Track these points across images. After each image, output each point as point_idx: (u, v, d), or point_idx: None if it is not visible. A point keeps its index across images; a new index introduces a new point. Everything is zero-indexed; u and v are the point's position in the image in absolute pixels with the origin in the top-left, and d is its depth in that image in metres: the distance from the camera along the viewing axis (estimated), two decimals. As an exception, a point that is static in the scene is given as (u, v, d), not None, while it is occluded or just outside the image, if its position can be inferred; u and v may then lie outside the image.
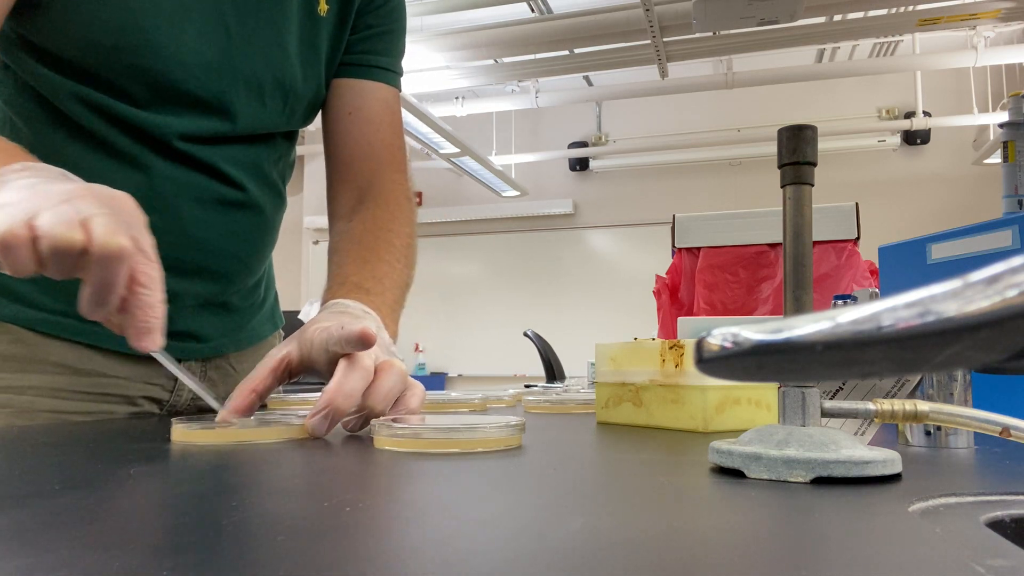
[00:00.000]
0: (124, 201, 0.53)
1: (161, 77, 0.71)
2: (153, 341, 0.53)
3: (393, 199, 0.87)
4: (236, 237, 0.81)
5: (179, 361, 0.82)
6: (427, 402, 0.84)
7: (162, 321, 0.53)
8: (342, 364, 0.56)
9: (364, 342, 0.55)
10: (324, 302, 0.73)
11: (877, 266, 0.91)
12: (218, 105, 0.75)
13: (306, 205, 6.14)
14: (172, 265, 0.77)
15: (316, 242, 6.27)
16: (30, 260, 0.48)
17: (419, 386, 0.62)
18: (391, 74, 0.91)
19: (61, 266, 0.49)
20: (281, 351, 0.62)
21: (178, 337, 0.80)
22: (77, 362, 0.76)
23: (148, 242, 0.53)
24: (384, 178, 0.88)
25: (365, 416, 0.57)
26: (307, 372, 0.63)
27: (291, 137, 0.90)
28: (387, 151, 0.89)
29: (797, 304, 0.40)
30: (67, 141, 0.72)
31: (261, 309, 0.94)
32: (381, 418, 0.53)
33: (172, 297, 0.78)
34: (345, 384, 0.55)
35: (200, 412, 0.86)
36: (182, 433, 0.52)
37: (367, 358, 0.57)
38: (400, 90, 0.93)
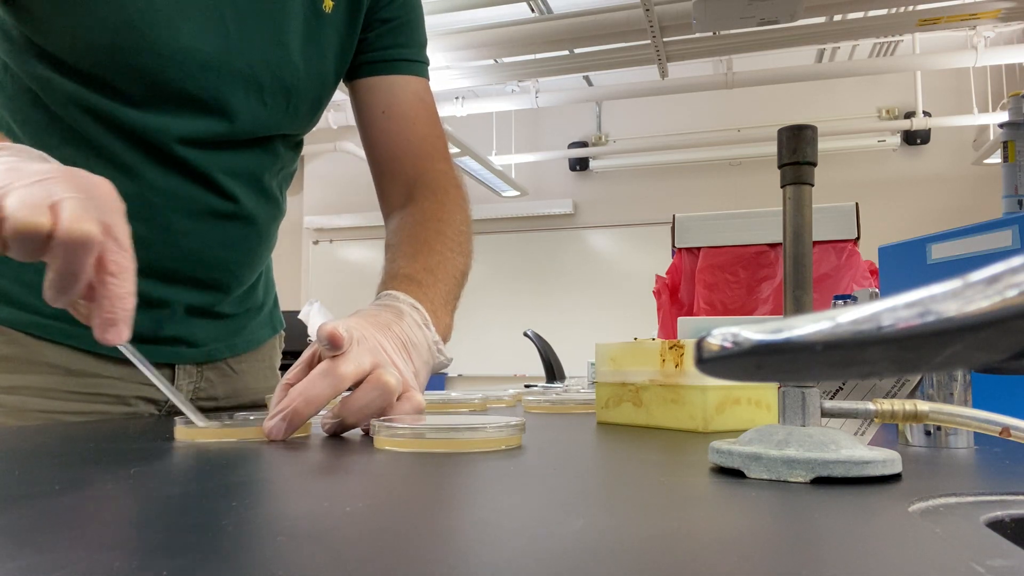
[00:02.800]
0: (100, 186, 0.51)
1: (158, 77, 0.71)
2: (118, 334, 0.51)
3: (441, 189, 0.86)
4: (227, 248, 0.81)
5: (172, 366, 0.82)
6: (427, 402, 0.84)
7: (130, 313, 0.51)
8: (318, 367, 0.54)
9: (332, 344, 0.53)
10: (377, 296, 0.73)
11: (877, 266, 0.91)
12: (216, 105, 0.74)
13: (306, 205, 6.14)
14: (161, 273, 0.77)
15: (316, 242, 6.27)
16: None
17: (413, 400, 0.59)
18: (417, 64, 0.91)
19: (24, 249, 0.48)
20: (313, 346, 0.62)
21: (169, 342, 0.80)
22: (70, 363, 0.75)
23: (123, 230, 0.51)
24: (429, 169, 0.87)
25: (341, 423, 0.55)
26: None
27: (295, 148, 0.89)
28: (427, 143, 0.89)
29: (797, 304, 0.40)
30: (61, 146, 0.72)
31: (259, 314, 0.93)
32: (381, 418, 0.53)
33: (161, 304, 0.78)
34: (310, 389, 0.53)
35: (201, 412, 0.86)
36: (184, 432, 0.52)
37: (347, 364, 0.54)
38: (429, 79, 0.93)
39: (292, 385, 0.58)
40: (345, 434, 0.57)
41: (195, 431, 0.52)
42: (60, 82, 0.70)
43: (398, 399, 0.57)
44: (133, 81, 0.71)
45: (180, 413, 0.83)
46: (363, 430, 0.57)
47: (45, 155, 0.55)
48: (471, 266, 0.83)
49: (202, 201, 0.76)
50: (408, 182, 0.87)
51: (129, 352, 0.54)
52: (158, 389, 0.82)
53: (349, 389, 0.56)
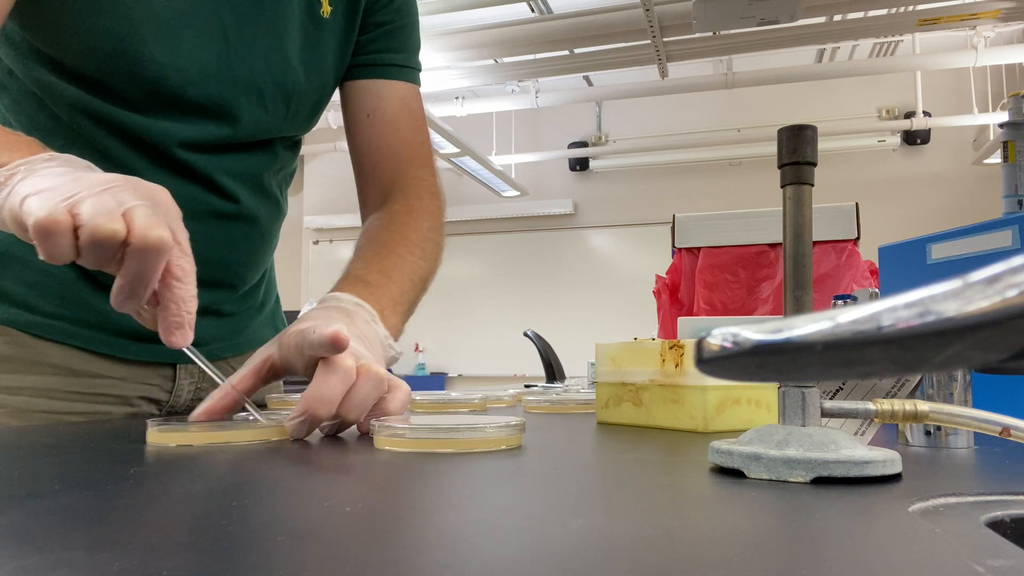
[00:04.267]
0: (161, 193, 0.53)
1: (160, 84, 0.71)
2: (184, 336, 0.52)
3: (414, 194, 0.86)
4: (229, 248, 0.81)
5: (174, 365, 0.82)
6: (427, 402, 0.84)
7: (194, 316, 0.53)
8: (321, 367, 0.54)
9: (335, 346, 0.53)
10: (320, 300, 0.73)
11: (877, 266, 0.91)
12: (218, 110, 0.75)
13: (306, 205, 6.14)
14: None
15: (316, 242, 6.27)
16: (70, 248, 0.48)
17: (402, 387, 0.59)
18: (407, 70, 0.90)
19: (99, 256, 0.48)
20: (264, 352, 0.62)
21: None
22: (72, 363, 0.75)
23: (184, 235, 0.53)
24: (407, 175, 0.87)
25: (340, 423, 0.55)
26: (288, 374, 0.62)
27: (294, 148, 0.89)
28: (408, 149, 0.88)
29: (797, 304, 0.40)
30: (65, 149, 0.72)
31: (260, 314, 0.93)
32: (381, 418, 0.53)
33: None
34: (323, 390, 0.53)
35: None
36: (156, 435, 0.51)
37: (347, 359, 0.54)
38: (419, 84, 0.92)
39: (238, 390, 0.58)
40: (344, 434, 0.57)
41: (165, 434, 0.50)
42: (63, 87, 0.71)
43: (388, 391, 0.58)
44: (135, 87, 0.71)
45: (179, 414, 0.83)
46: (359, 429, 0.57)
47: (91, 165, 0.56)
48: (436, 272, 0.83)
49: (204, 202, 0.77)
50: (385, 186, 0.87)
51: (193, 354, 0.55)
52: (162, 389, 0.82)
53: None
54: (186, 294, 0.52)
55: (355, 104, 0.89)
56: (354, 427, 0.58)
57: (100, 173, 0.53)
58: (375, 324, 0.68)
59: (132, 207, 0.48)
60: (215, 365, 0.86)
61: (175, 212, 0.53)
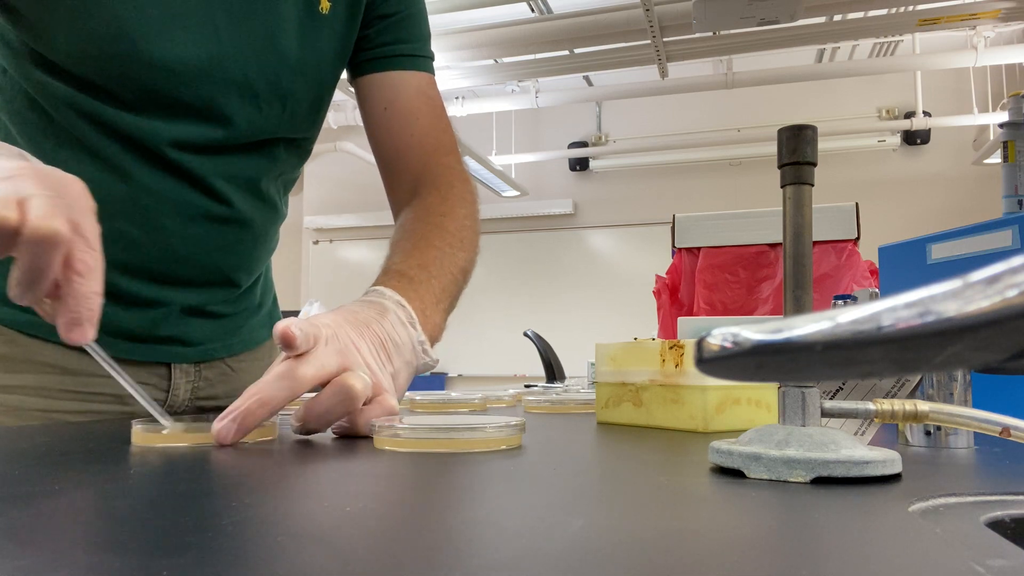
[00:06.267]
0: (71, 185, 0.51)
1: (151, 84, 0.71)
2: (83, 334, 0.50)
3: (444, 183, 0.85)
4: (222, 251, 0.80)
5: (169, 365, 0.82)
6: (427, 402, 0.84)
7: (96, 313, 0.51)
8: (278, 368, 0.52)
9: (283, 342, 0.51)
10: (365, 291, 0.69)
11: (877, 266, 0.91)
12: (210, 112, 0.74)
13: (306, 205, 6.14)
14: (155, 274, 0.77)
15: (316, 242, 6.27)
16: None
17: (386, 403, 0.56)
18: (419, 59, 0.89)
19: None
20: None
21: (165, 342, 0.80)
22: (66, 362, 0.75)
23: (91, 229, 0.51)
24: (434, 164, 0.86)
25: (304, 427, 0.53)
26: None
27: (298, 154, 0.87)
28: (431, 137, 0.87)
29: (797, 304, 0.40)
30: (57, 148, 0.72)
31: (256, 314, 0.93)
32: (382, 418, 0.53)
33: (156, 304, 0.78)
34: (265, 390, 0.50)
35: (200, 412, 0.86)
36: (141, 436, 0.50)
37: (307, 366, 0.52)
38: (433, 73, 0.91)
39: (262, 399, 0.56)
40: (326, 435, 0.56)
41: (151, 436, 0.50)
42: (55, 86, 0.70)
43: (369, 403, 0.55)
44: (127, 87, 0.70)
45: (179, 413, 0.83)
46: (333, 432, 0.55)
47: (24, 152, 0.55)
48: (475, 261, 0.82)
49: (195, 204, 0.76)
50: (413, 178, 0.86)
51: (94, 352, 0.52)
52: (159, 389, 0.82)
53: (316, 390, 0.54)
54: (87, 290, 0.50)
55: (371, 99, 0.88)
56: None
57: (17, 161, 0.51)
58: (411, 328, 0.65)
59: (29, 196, 0.47)
60: (210, 365, 0.87)
61: (84, 205, 0.51)
